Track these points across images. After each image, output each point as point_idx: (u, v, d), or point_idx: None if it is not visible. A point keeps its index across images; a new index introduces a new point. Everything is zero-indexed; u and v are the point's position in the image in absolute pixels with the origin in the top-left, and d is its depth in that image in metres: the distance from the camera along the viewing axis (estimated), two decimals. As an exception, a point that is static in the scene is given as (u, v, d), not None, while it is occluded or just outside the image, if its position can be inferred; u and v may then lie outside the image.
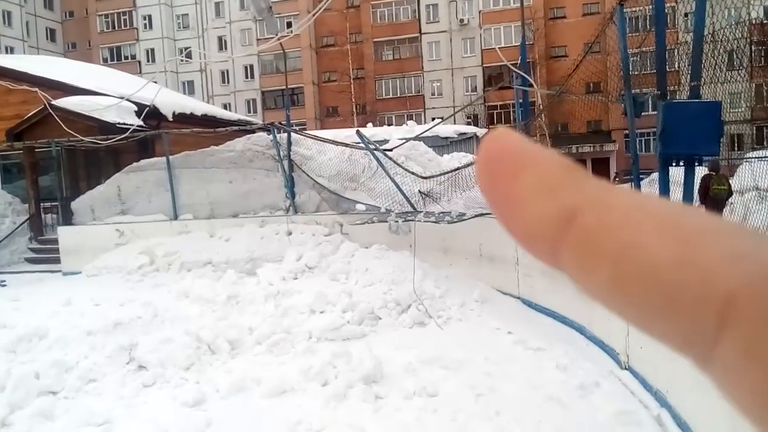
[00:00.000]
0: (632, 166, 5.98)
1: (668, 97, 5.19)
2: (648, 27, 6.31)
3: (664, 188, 5.12)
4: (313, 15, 10.90)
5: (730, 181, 9.67)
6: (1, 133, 14.43)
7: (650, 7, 5.68)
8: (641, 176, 6.99)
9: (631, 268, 0.21)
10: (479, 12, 44.96)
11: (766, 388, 0.18)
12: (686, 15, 6.71)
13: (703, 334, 0.20)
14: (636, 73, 6.55)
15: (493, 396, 4.64)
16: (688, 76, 5.06)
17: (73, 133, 12.55)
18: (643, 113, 5.58)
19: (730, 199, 9.76)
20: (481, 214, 8.41)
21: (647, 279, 0.20)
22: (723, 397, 0.20)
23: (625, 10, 5.69)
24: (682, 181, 5.04)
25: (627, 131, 6.72)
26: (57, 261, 12.14)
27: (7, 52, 44.90)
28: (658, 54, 5.14)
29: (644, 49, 6.45)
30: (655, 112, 5.09)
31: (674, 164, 5.02)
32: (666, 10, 5.37)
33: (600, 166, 38.24)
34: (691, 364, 0.21)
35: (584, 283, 0.23)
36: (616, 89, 6.64)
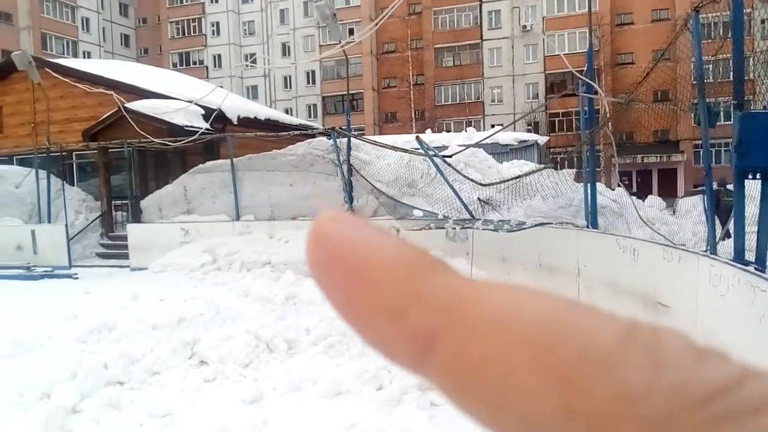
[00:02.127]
0: (704, 179, 5.74)
1: (745, 107, 4.97)
2: (722, 34, 6.06)
3: (740, 203, 4.89)
4: (377, 24, 11.01)
5: None
6: (77, 134, 15.23)
7: (726, 13, 5.45)
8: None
9: (511, 414, 0.17)
10: (543, 18, 44.24)
11: None
12: (763, 22, 6.41)
13: None
14: (710, 81, 6.30)
15: (550, 410, 4.53)
16: (767, 86, 4.82)
17: (144, 134, 13.10)
18: (716, 123, 5.36)
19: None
20: (542, 224, 8.26)
21: (530, 429, 0.17)
22: None
23: (699, 16, 5.49)
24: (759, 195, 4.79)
25: (697, 141, 6.47)
26: (125, 257, 12.66)
27: (84, 57, 47.35)
28: (735, 62, 4.93)
29: (719, 56, 6.20)
30: (729, 122, 4.87)
31: (750, 177, 4.78)
32: (743, 16, 5.14)
33: (667, 177, 36.90)
34: None
35: (461, 411, 0.19)
36: (688, 98, 6.40)
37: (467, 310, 0.19)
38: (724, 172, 5.56)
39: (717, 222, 6.51)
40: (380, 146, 11.85)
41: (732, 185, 9.27)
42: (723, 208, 10.47)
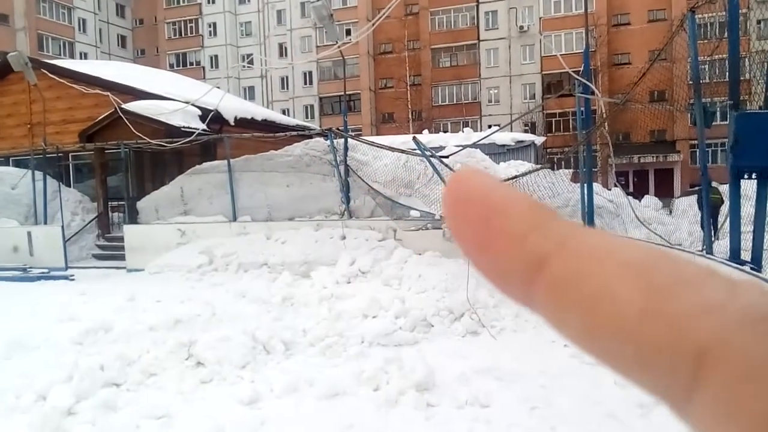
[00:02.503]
0: (701, 178, 5.76)
1: (740, 107, 4.98)
2: (718, 34, 6.08)
3: (735, 202, 4.91)
4: (374, 24, 11.00)
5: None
6: (74, 135, 15.18)
7: (722, 14, 5.47)
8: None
9: (600, 318, 0.21)
10: (539, 19, 44.30)
11: None
12: (759, 22, 6.43)
13: (677, 387, 0.19)
14: (706, 81, 6.32)
15: (548, 410, 4.53)
16: (762, 85, 4.84)
17: (140, 135, 13.08)
18: (712, 123, 5.38)
19: (722, 207, 10.90)
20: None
21: (617, 330, 0.20)
22: None
23: (696, 17, 5.50)
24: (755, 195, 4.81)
25: (693, 141, 6.49)
26: (122, 258, 12.64)
27: (81, 58, 47.28)
28: (731, 62, 4.94)
29: (715, 57, 6.21)
30: (725, 122, 4.88)
31: (746, 177, 4.80)
32: (739, 16, 5.15)
33: (663, 177, 37.00)
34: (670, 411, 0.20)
35: (557, 329, 0.23)
36: (684, 98, 6.42)
37: (576, 241, 0.23)
38: (721, 171, 5.58)
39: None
40: (377, 147, 11.85)
41: (715, 184, 9.46)
42: (710, 207, 10.93)
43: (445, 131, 36.92)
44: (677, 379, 0.19)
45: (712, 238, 6.26)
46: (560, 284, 0.22)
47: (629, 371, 0.21)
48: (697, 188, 13.01)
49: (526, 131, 33.66)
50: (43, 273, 11.97)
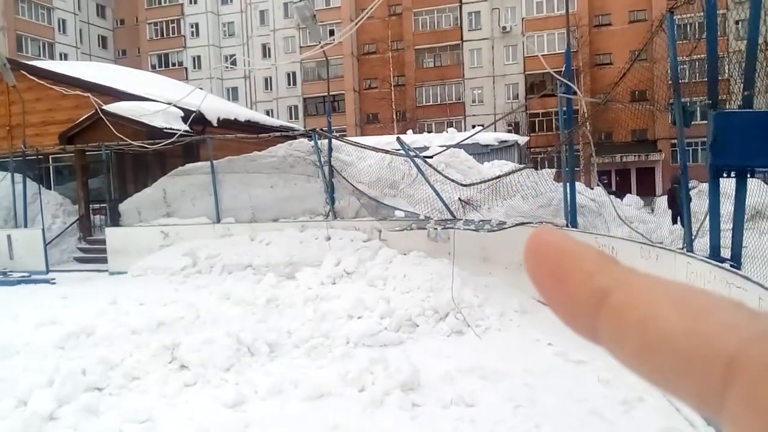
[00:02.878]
0: (681, 177, 5.82)
1: (719, 107, 5.05)
2: (698, 35, 6.15)
3: (714, 200, 4.97)
4: (356, 23, 11.00)
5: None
6: (54, 137, 15.00)
7: (701, 14, 5.54)
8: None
9: (652, 337, 0.25)
10: (522, 19, 44.54)
11: None
12: (737, 22, 6.52)
13: (712, 392, 0.23)
14: (685, 81, 6.39)
15: (532, 408, 4.56)
16: (740, 85, 4.90)
17: (122, 137, 12.95)
18: (692, 122, 5.44)
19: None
20: (522, 224, 8.31)
21: (665, 346, 0.25)
22: None
23: (675, 17, 5.57)
24: (733, 193, 4.88)
25: (674, 141, 6.56)
26: (104, 261, 12.51)
27: (61, 59, 46.65)
28: (709, 62, 5.01)
29: (694, 57, 6.29)
30: (705, 122, 4.95)
31: (725, 176, 4.86)
32: (717, 17, 5.22)
33: (645, 176, 37.40)
34: (708, 418, 0.24)
35: (617, 352, 0.27)
36: (664, 98, 6.49)
37: (634, 278, 0.28)
38: (701, 170, 5.65)
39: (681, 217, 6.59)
40: (361, 147, 11.84)
41: (693, 182, 9.71)
42: (678, 204, 12.13)
43: (430, 131, 36.97)
44: (712, 385, 0.23)
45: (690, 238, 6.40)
46: (619, 312, 0.26)
47: (674, 382, 0.25)
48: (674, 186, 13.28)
49: (509, 131, 33.78)
50: (23, 277, 11.81)
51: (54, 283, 11.37)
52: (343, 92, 48.33)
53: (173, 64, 54.17)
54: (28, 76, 15.63)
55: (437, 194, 9.97)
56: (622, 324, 0.26)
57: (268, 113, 43.51)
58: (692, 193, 8.94)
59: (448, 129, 28.16)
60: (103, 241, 12.87)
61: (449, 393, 4.82)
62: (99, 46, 57.45)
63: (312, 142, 11.66)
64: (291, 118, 48.15)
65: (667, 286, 0.27)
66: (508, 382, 5.09)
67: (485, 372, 5.30)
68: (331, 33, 39.81)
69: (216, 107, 16.67)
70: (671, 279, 0.27)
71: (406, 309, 7.13)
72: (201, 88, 17.27)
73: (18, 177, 14.15)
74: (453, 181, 10.16)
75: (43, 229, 13.32)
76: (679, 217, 12.84)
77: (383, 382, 4.97)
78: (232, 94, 52.40)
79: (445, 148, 12.26)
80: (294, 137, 13.02)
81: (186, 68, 53.62)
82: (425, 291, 7.65)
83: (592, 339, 0.28)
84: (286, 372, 5.50)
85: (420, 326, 6.94)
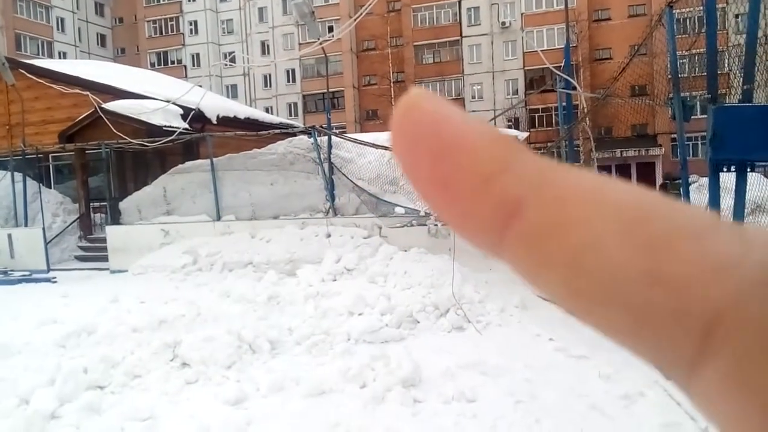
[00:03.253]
0: (680, 172, 5.82)
1: (718, 101, 5.04)
2: (697, 29, 6.14)
3: (714, 195, 4.97)
4: (355, 20, 10.98)
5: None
6: (53, 135, 15.00)
7: (700, 8, 5.53)
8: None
9: (589, 279, 0.18)
10: (521, 15, 44.48)
11: (753, 420, 0.16)
12: (737, 16, 6.51)
13: (681, 359, 0.17)
14: (685, 75, 6.39)
15: (533, 403, 4.57)
16: (740, 79, 4.90)
17: (121, 135, 12.95)
18: (692, 117, 5.44)
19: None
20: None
21: (609, 293, 0.17)
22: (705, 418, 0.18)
23: (674, 12, 5.56)
24: (734, 187, 4.88)
25: (674, 135, 6.56)
26: (105, 259, 12.52)
27: (60, 57, 46.64)
28: (708, 56, 5.00)
29: (693, 51, 6.28)
30: (705, 116, 4.94)
31: (725, 170, 4.86)
32: (716, 11, 5.22)
33: (645, 171, 37.35)
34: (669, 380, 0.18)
35: (535, 285, 0.20)
36: (664, 92, 6.49)
37: (556, 182, 0.19)
38: (701, 165, 5.65)
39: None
40: (361, 144, 11.84)
41: (695, 177, 9.79)
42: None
43: (429, 128, 36.84)
44: (682, 351, 0.17)
45: None
46: (539, 236, 0.19)
47: (623, 338, 0.18)
48: (677, 181, 13.49)
49: (509, 127, 33.81)
50: (24, 276, 11.82)
51: (55, 282, 11.37)
52: (342, 89, 48.30)
53: (172, 62, 54.15)
54: (27, 75, 15.63)
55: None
56: (543, 255, 0.19)
57: (267, 110, 43.50)
58: (692, 187, 8.97)
59: (448, 125, 28.09)
60: (104, 240, 12.88)
61: (450, 389, 4.82)
62: (98, 44, 57.41)
63: (312, 139, 11.66)
64: (290, 115, 48.12)
65: (614, 197, 0.18)
66: (508, 378, 5.10)
67: (486, 367, 5.31)
68: (330, 29, 39.74)
69: (215, 105, 16.66)
70: (619, 184, 0.19)
71: (407, 305, 7.14)
72: (200, 86, 17.27)
73: (18, 176, 14.15)
74: (453, 177, 10.12)
75: (43, 228, 13.33)
76: None
77: (384, 378, 4.97)
78: (232, 92, 52.38)
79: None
80: (294, 134, 13.02)
81: (185, 66, 53.60)
82: (426, 287, 7.66)
83: (498, 259, 0.20)
84: (287, 369, 5.50)
85: (421, 322, 6.94)
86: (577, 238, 0.18)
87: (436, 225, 9.42)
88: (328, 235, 10.38)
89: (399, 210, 10.69)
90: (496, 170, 0.20)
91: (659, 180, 33.85)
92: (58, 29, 51.97)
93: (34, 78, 15.52)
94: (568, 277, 0.18)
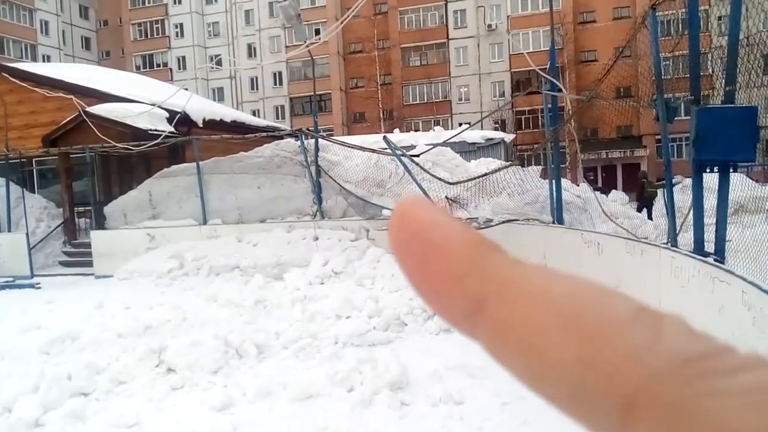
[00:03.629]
0: (664, 173, 5.87)
1: (702, 102, 5.09)
2: (680, 31, 6.20)
3: (698, 195, 5.01)
4: (342, 22, 10.98)
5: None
6: (37, 139, 14.83)
7: (683, 10, 5.58)
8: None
9: (537, 363, 0.22)
10: (507, 17, 44.72)
11: None
12: (720, 18, 6.58)
13: (609, 427, 0.20)
14: (668, 77, 6.44)
15: (520, 405, 4.58)
16: (722, 81, 4.94)
17: (106, 139, 12.83)
18: (675, 118, 5.48)
19: (655, 199, 13.84)
20: (509, 221, 8.34)
21: (551, 375, 0.21)
22: None
23: (657, 14, 5.61)
24: (716, 188, 4.92)
25: (658, 136, 6.61)
26: (90, 264, 12.40)
27: (43, 61, 46.15)
28: (691, 58, 5.05)
29: (676, 53, 6.33)
30: (688, 118, 4.98)
31: (708, 171, 4.90)
32: (699, 14, 5.27)
33: (631, 172, 37.64)
34: None
35: (501, 365, 0.23)
36: (648, 94, 6.54)
37: (512, 283, 0.23)
38: (684, 165, 5.70)
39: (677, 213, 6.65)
40: (348, 147, 11.83)
41: (682, 178, 9.91)
42: (645, 197, 14.62)
43: (416, 130, 37.00)
44: (608, 422, 0.20)
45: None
46: (498, 328, 0.23)
47: (565, 410, 0.22)
48: (662, 182, 13.60)
49: (496, 129, 33.90)
50: (7, 282, 11.67)
51: (39, 288, 11.25)
52: (329, 91, 48.25)
53: (158, 65, 53.78)
54: (10, 78, 15.45)
55: (424, 193, 9.97)
56: (504, 343, 0.23)
57: (254, 113, 43.35)
58: (676, 188, 9.04)
59: (435, 127, 28.20)
60: (89, 245, 12.75)
61: (438, 391, 4.82)
62: (82, 47, 56.92)
63: (299, 142, 11.63)
64: (277, 118, 47.99)
65: (554, 290, 0.23)
66: (495, 380, 5.10)
67: (473, 369, 5.31)
68: (317, 32, 39.78)
69: (201, 108, 16.55)
70: (562, 275, 0.23)
71: (395, 308, 7.13)
72: (186, 89, 17.15)
73: (0, 181, 13.97)
74: (440, 179, 10.17)
75: (27, 233, 13.16)
76: (645, 209, 14.97)
77: (372, 381, 4.96)
78: (218, 95, 52.15)
79: (431, 146, 12.28)
80: (280, 137, 12.98)
81: (171, 69, 53.24)
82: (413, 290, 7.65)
83: (476, 343, 0.25)
84: (274, 373, 5.47)
85: (408, 325, 6.94)
86: (526, 331, 0.22)
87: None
88: (316, 238, 10.35)
89: (386, 212, 10.69)
90: (464, 272, 0.24)
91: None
92: (41, 32, 51.44)
93: (18, 82, 15.34)
94: (523, 362, 0.22)
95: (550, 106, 9.19)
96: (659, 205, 13.75)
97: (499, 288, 0.23)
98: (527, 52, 32.55)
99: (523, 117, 42.91)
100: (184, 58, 53.70)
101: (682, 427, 0.18)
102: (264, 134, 14.09)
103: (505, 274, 0.24)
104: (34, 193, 15.97)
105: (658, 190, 12.59)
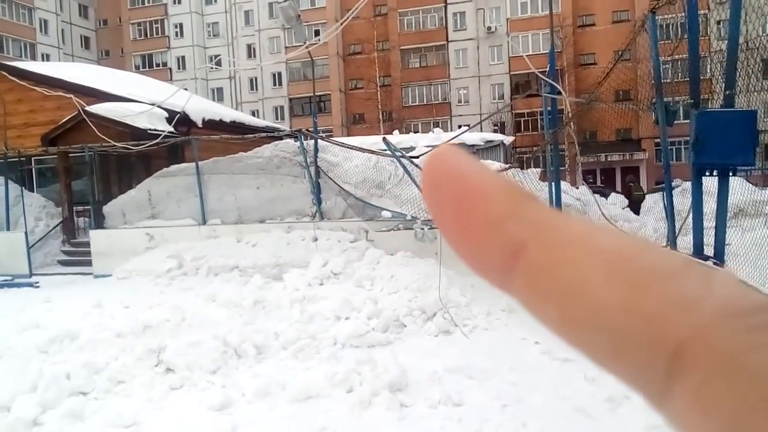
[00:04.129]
0: (663, 176, 5.89)
1: (701, 106, 5.11)
2: (680, 34, 6.22)
3: (697, 199, 5.03)
4: (342, 23, 10.98)
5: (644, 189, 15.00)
6: (36, 139, 14.81)
7: (682, 14, 5.60)
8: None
9: (577, 311, 0.21)
10: (507, 20, 44.80)
11: None
12: (719, 23, 6.60)
13: (654, 382, 0.20)
14: (668, 80, 6.46)
15: (519, 407, 4.58)
16: (722, 85, 4.96)
17: (105, 138, 12.82)
18: (675, 122, 5.50)
19: (643, 201, 14.80)
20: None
21: (594, 323, 0.20)
22: None
23: (656, 18, 5.63)
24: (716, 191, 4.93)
25: (658, 140, 6.63)
26: (89, 264, 12.38)
27: (43, 60, 46.13)
28: (691, 62, 5.06)
29: (676, 56, 6.35)
30: (688, 121, 5.00)
31: (708, 174, 4.92)
32: (698, 18, 5.29)
33: (630, 175, 37.71)
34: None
35: (535, 316, 0.23)
36: (647, 97, 6.56)
37: (554, 228, 0.23)
38: (684, 169, 5.71)
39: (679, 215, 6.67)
40: (348, 148, 11.83)
41: (679, 183, 10.04)
42: (633, 200, 15.31)
43: (416, 132, 37.04)
44: (654, 374, 0.19)
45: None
46: (537, 274, 0.22)
47: (605, 363, 0.21)
48: (661, 185, 13.78)
49: (495, 131, 33.92)
50: (6, 281, 11.66)
51: (37, 287, 11.23)
52: (329, 93, 48.28)
53: (157, 65, 53.78)
54: (9, 77, 15.44)
55: (424, 194, 9.97)
56: (541, 290, 0.22)
57: (253, 114, 43.35)
58: (675, 191, 9.07)
59: (434, 129, 28.23)
60: (88, 244, 12.74)
61: (437, 393, 4.83)
62: (82, 46, 56.90)
63: (298, 143, 11.63)
64: (277, 119, 48.00)
65: (602, 240, 0.21)
66: (495, 381, 5.11)
67: (472, 371, 5.31)
68: (317, 33, 39.80)
69: (201, 108, 16.55)
70: (603, 226, 0.22)
71: (394, 309, 7.13)
72: (185, 89, 17.15)
73: (-1, 179, 13.97)
74: (439, 181, 10.15)
75: (26, 232, 13.15)
76: (632, 211, 15.76)
77: (371, 382, 4.96)
78: (217, 95, 52.15)
79: (431, 148, 12.29)
80: (280, 138, 12.98)
81: (170, 69, 53.24)
82: (412, 291, 7.66)
83: (509, 294, 0.24)
84: (273, 374, 5.47)
85: (407, 326, 6.94)
86: (569, 276, 0.21)
87: (422, 229, 9.44)
88: (315, 239, 10.35)
89: (386, 214, 10.70)
90: (504, 215, 0.23)
91: (645, 184, 34.19)
92: (41, 31, 51.42)
93: (17, 80, 15.32)
94: (561, 309, 0.21)
95: (549, 108, 9.22)
96: (647, 204, 14.60)
97: (540, 232, 0.23)
98: (527, 55, 32.55)
99: (522, 119, 42.96)
100: (183, 58, 53.71)
101: (731, 379, 0.18)
102: (263, 135, 14.10)
103: (546, 219, 0.23)
104: (33, 192, 15.95)
105: (648, 195, 13.34)
